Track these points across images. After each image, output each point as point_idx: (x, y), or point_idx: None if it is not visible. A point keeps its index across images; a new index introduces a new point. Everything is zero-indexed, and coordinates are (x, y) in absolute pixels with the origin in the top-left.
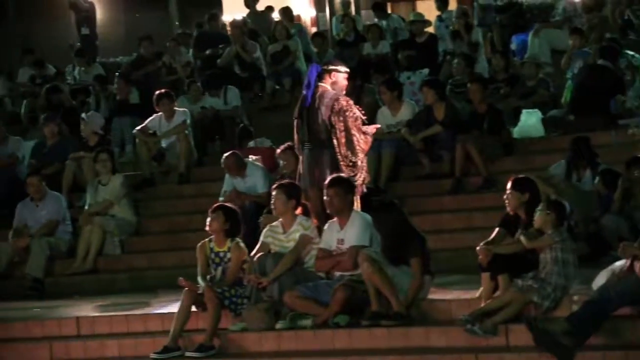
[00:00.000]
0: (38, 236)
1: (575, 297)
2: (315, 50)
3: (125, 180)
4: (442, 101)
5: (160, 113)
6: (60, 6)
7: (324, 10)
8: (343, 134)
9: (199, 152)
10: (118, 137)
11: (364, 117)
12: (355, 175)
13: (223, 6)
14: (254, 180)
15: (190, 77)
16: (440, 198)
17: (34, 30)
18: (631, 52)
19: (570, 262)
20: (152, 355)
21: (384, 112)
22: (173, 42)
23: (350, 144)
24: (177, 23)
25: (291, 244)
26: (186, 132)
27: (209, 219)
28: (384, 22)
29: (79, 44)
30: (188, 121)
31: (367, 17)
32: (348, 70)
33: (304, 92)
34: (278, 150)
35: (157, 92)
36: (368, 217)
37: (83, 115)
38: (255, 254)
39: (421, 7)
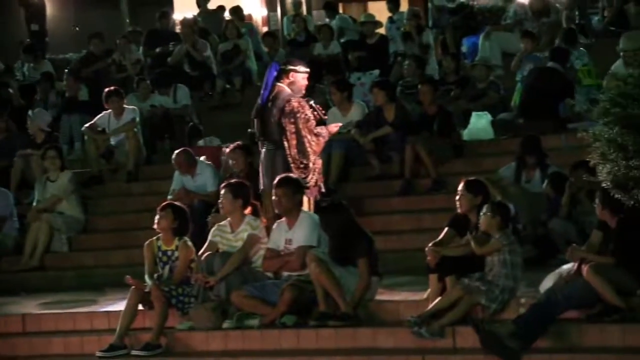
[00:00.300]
0: None
1: (523, 300)
2: (266, 49)
3: (74, 176)
4: (392, 102)
5: (109, 110)
6: (9, 2)
7: (276, 10)
8: (294, 135)
9: (148, 150)
10: (67, 134)
11: (324, 117)
12: (307, 177)
13: (174, 4)
14: (204, 178)
15: (140, 74)
16: (390, 199)
17: None
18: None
19: (518, 264)
20: (98, 354)
21: (334, 112)
22: (123, 40)
23: (301, 146)
24: (127, 21)
25: (239, 244)
26: (135, 130)
27: (157, 217)
28: (331, 22)
29: (28, 40)
30: (137, 119)
31: (319, 17)
32: (308, 70)
33: (262, 91)
34: (227, 150)
35: (107, 89)
36: (316, 217)
37: (29, 112)
38: (203, 253)
39: (372, 9)
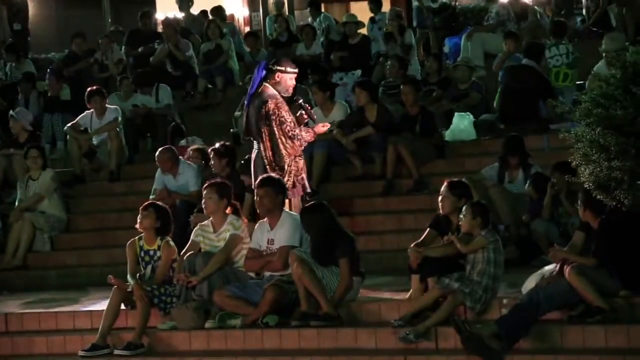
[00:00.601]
0: None
1: (505, 301)
2: (248, 49)
3: (56, 175)
4: (374, 103)
5: (91, 110)
6: None
7: (258, 10)
8: (268, 137)
9: (130, 150)
10: (49, 134)
11: (313, 117)
12: (283, 178)
13: (156, 4)
14: (186, 178)
15: (123, 74)
16: (372, 199)
17: None
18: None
19: (500, 263)
20: (81, 353)
21: (316, 112)
22: (105, 39)
23: (275, 148)
24: (109, 20)
25: (221, 244)
26: (117, 129)
27: (139, 217)
28: (316, 21)
29: (10, 39)
30: (120, 119)
31: (301, 17)
32: (296, 71)
33: (249, 90)
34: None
35: (89, 89)
36: (298, 217)
37: (11, 112)
38: (185, 253)
39: (354, 9)
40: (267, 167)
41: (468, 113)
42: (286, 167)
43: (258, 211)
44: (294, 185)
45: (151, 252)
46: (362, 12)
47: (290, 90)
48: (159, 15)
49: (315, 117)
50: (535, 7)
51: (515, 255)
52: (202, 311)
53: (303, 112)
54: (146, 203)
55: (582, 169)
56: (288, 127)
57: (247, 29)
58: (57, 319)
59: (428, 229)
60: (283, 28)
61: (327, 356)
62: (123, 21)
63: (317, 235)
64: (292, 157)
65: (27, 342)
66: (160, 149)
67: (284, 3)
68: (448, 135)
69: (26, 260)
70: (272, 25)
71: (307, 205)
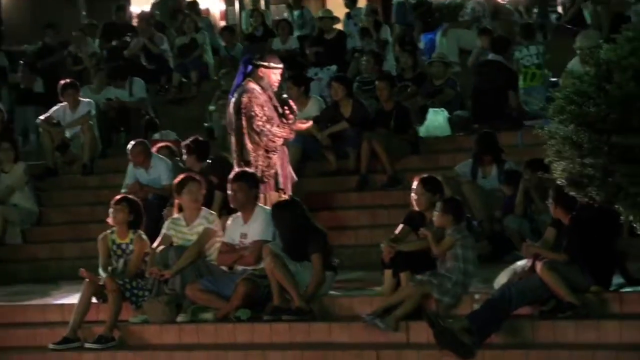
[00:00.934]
0: None
1: (477, 296)
2: (223, 44)
3: (28, 167)
4: (349, 98)
5: (64, 103)
6: None
7: (233, 5)
8: (235, 131)
9: (103, 143)
10: (21, 126)
11: (294, 112)
12: None
13: None
14: (158, 172)
15: (97, 67)
16: (346, 194)
17: None
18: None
19: (470, 259)
20: (51, 346)
21: None
22: (79, 32)
23: (242, 142)
24: (84, 13)
25: (194, 237)
26: (91, 122)
27: (112, 211)
28: (295, 13)
29: None
30: (93, 112)
31: (277, 12)
32: (280, 66)
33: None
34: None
35: (62, 82)
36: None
37: None
38: (157, 247)
39: (330, 4)
40: (234, 160)
41: (442, 109)
42: (252, 161)
43: (232, 205)
44: (262, 181)
45: (123, 246)
46: (338, 7)
47: (275, 85)
48: (134, 9)
49: (296, 113)
50: (507, 5)
51: (487, 251)
52: (174, 305)
53: (286, 107)
54: (118, 197)
55: (555, 165)
56: (258, 122)
57: (223, 23)
58: (28, 312)
59: (401, 225)
60: (259, 22)
61: (299, 350)
62: (97, 14)
63: (289, 232)
64: (261, 153)
65: None
66: (132, 143)
67: None
68: (422, 131)
69: None
70: (248, 19)
71: (277, 201)
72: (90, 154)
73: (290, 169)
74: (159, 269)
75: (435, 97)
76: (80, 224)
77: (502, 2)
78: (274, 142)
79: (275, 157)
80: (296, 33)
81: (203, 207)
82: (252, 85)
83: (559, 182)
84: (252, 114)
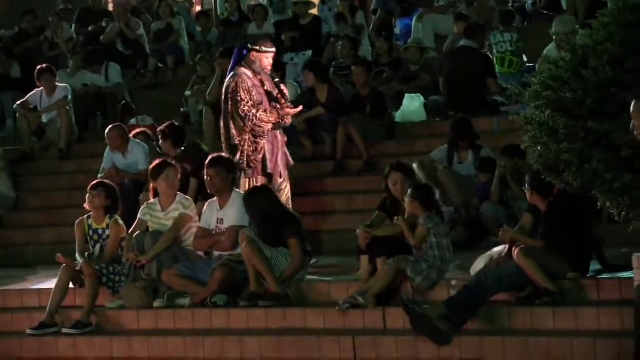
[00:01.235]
0: None
1: (454, 282)
2: (199, 29)
3: (5, 153)
4: (325, 83)
5: (41, 88)
6: None
7: None
8: (223, 115)
9: (79, 128)
10: None
11: (285, 96)
12: (235, 157)
13: None
14: (135, 157)
15: (73, 52)
16: (322, 180)
17: None
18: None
19: (445, 245)
20: (28, 331)
21: None
22: (56, 17)
23: (227, 126)
24: None
25: (170, 222)
26: (67, 108)
27: (88, 196)
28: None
29: None
30: (69, 97)
31: None
32: (271, 50)
33: None
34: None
35: (39, 67)
36: None
37: None
38: (133, 232)
39: None
40: (223, 144)
41: (418, 94)
42: (238, 146)
43: (208, 191)
44: (248, 166)
45: (100, 231)
46: None
47: (268, 69)
48: None
49: (287, 97)
50: None
51: (464, 237)
52: (151, 290)
53: (278, 92)
54: (95, 182)
55: (532, 151)
56: (243, 107)
57: (199, 8)
58: (5, 296)
59: (377, 211)
60: (234, 8)
61: (276, 336)
62: None
63: (262, 218)
64: (247, 137)
65: None
66: (110, 127)
67: None
68: (398, 116)
69: None
70: (223, 4)
71: (249, 188)
72: (66, 139)
73: (283, 154)
74: (135, 254)
75: (411, 83)
76: (57, 209)
77: None
78: (260, 127)
79: (262, 142)
80: (275, 18)
81: (179, 193)
82: (243, 70)
83: (535, 168)
84: (238, 98)
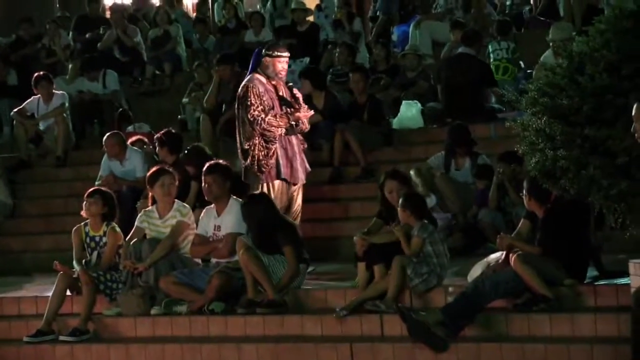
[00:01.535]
0: None
1: (451, 289)
2: (196, 36)
3: (2, 160)
4: (322, 90)
5: (38, 95)
6: None
7: None
8: (236, 121)
9: (76, 135)
10: None
11: (299, 102)
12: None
13: None
14: (133, 164)
15: (70, 59)
16: (319, 187)
17: None
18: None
19: (441, 252)
20: (26, 339)
21: None
22: (53, 25)
23: (240, 131)
24: (57, 5)
25: (168, 230)
26: (64, 115)
27: (85, 204)
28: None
29: None
30: (67, 104)
31: (249, 4)
32: (282, 54)
33: None
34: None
35: (36, 74)
36: None
37: None
38: (131, 239)
39: None
40: (238, 149)
41: (416, 101)
42: (249, 150)
43: (206, 198)
44: (260, 170)
45: (97, 238)
46: None
47: (282, 74)
48: (107, 1)
49: (301, 102)
50: None
51: (461, 244)
52: (148, 297)
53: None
54: (91, 190)
55: (528, 157)
56: (252, 112)
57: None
58: (2, 304)
59: (374, 219)
60: (231, 15)
61: (273, 343)
62: (71, 6)
63: (259, 226)
64: (257, 142)
65: None
66: (108, 134)
67: None
68: (395, 123)
69: None
70: (221, 11)
71: (248, 196)
72: (63, 146)
73: (301, 160)
74: (132, 261)
75: (408, 89)
76: (54, 217)
77: None
78: (270, 131)
79: (274, 147)
80: (278, 23)
81: (176, 200)
82: (257, 75)
83: (532, 175)
84: (248, 102)
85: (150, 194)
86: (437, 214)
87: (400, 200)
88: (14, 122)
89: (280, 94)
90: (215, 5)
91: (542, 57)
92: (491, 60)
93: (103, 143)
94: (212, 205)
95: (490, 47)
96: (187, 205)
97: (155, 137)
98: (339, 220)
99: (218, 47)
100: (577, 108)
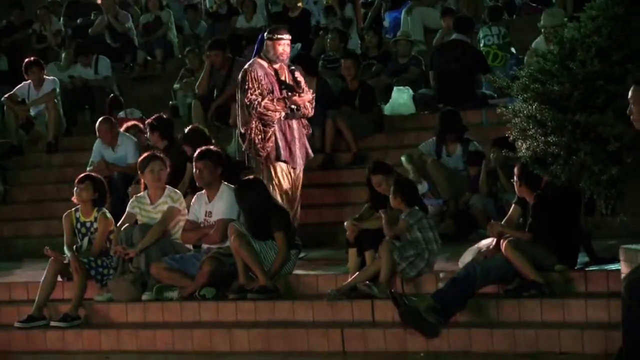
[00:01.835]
0: None
1: (442, 274)
2: (188, 22)
3: None
4: (313, 77)
5: (29, 81)
6: None
7: None
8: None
9: (67, 121)
10: None
11: (302, 87)
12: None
13: None
14: (124, 150)
15: (61, 45)
16: (311, 173)
17: None
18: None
19: (431, 238)
20: (17, 324)
21: None
22: (44, 10)
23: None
24: None
25: (159, 216)
26: (55, 100)
27: (76, 189)
28: None
29: None
30: (57, 90)
31: None
32: (283, 37)
33: None
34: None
35: (27, 60)
36: None
37: None
38: (122, 225)
39: None
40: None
41: (407, 87)
42: (245, 134)
43: (197, 184)
44: (257, 154)
45: (87, 224)
46: None
47: (283, 56)
48: None
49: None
50: None
51: (452, 230)
52: (139, 283)
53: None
54: (82, 175)
55: (519, 143)
56: (249, 96)
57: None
58: None
59: (365, 205)
60: (223, 1)
61: (264, 329)
62: None
63: (252, 211)
64: (254, 126)
65: None
66: (100, 119)
67: None
68: (387, 109)
69: None
70: None
71: (242, 180)
72: (55, 132)
73: (302, 145)
74: (123, 247)
75: (399, 76)
76: (45, 202)
77: None
78: (267, 115)
79: (271, 131)
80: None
81: (167, 186)
82: (259, 60)
83: (522, 161)
84: (246, 86)
85: (142, 179)
86: (429, 200)
87: (392, 187)
88: (5, 107)
89: (282, 78)
90: None
91: (533, 43)
92: (481, 45)
93: (96, 129)
94: (203, 191)
95: (481, 32)
96: (178, 191)
97: (146, 122)
98: (330, 206)
99: (209, 32)
100: (568, 94)
